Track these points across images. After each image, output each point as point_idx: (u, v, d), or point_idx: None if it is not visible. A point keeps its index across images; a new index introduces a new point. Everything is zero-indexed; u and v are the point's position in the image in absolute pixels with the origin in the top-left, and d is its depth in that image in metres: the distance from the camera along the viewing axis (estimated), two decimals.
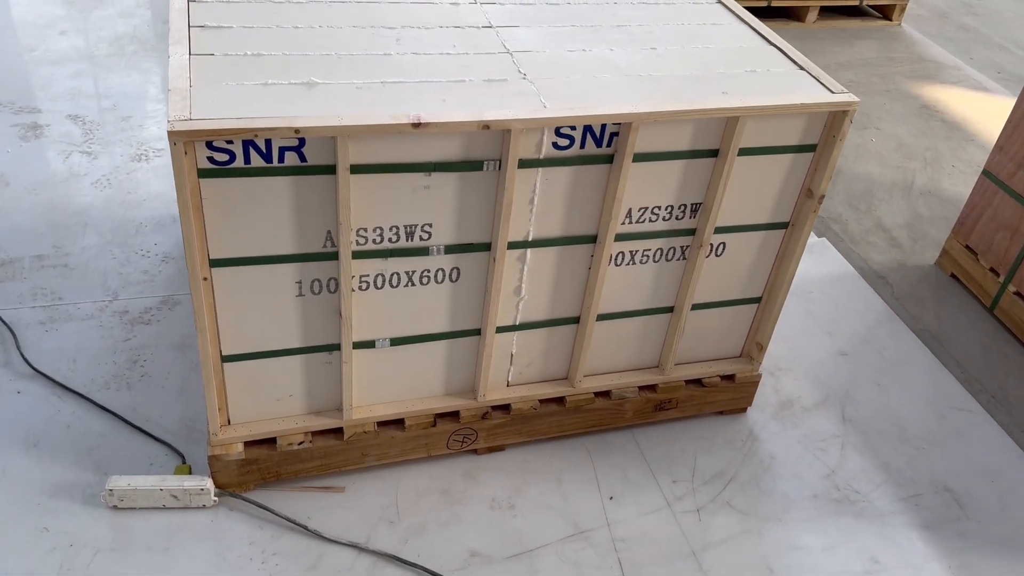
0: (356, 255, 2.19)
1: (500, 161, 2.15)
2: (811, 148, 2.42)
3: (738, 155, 2.33)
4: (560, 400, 2.69)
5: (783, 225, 2.57)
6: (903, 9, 6.13)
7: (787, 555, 2.52)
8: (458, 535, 2.45)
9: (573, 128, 2.16)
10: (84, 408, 2.69)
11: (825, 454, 2.86)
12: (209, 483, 2.40)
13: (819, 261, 3.74)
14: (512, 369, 2.60)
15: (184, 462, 2.54)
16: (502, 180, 2.17)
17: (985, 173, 3.53)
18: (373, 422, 2.51)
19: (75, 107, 4.17)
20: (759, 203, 2.49)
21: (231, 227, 2.05)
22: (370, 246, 2.20)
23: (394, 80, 2.15)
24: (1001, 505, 2.75)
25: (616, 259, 2.46)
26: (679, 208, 2.42)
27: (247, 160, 1.97)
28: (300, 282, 2.21)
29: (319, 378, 2.41)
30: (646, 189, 2.34)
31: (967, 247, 3.64)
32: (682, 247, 2.51)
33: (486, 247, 2.31)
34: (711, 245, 2.51)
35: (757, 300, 2.73)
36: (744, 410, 2.96)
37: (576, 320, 2.57)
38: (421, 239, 2.24)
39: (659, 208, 2.40)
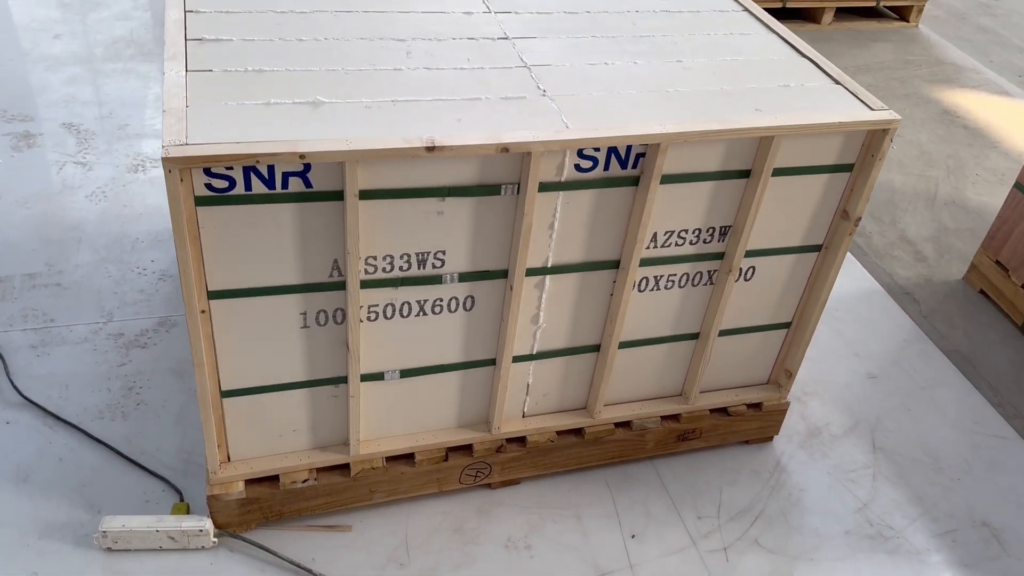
0: (365, 284, 2.05)
1: (519, 185, 2.01)
2: (848, 168, 2.27)
3: (771, 175, 2.18)
4: (578, 431, 2.54)
5: (816, 248, 2.42)
6: (920, 10, 5.98)
7: None
8: None
9: (597, 149, 2.02)
10: (77, 439, 2.55)
11: (856, 486, 2.72)
12: (208, 523, 2.26)
13: (844, 277, 3.59)
14: (528, 399, 2.46)
15: (182, 499, 2.40)
16: (521, 204, 2.02)
17: (1017, 186, 3.38)
18: (382, 457, 2.37)
19: (69, 115, 4.02)
20: (791, 225, 2.34)
21: (231, 257, 1.91)
22: (380, 275, 2.06)
23: (405, 98, 2.01)
24: None
25: (640, 284, 2.32)
26: (707, 231, 2.28)
27: (248, 186, 1.82)
28: (305, 313, 2.07)
29: (324, 412, 2.27)
30: (673, 212, 2.20)
31: (997, 262, 3.49)
32: (709, 272, 2.37)
33: (502, 274, 2.17)
34: (740, 269, 2.37)
35: (786, 325, 2.59)
36: (771, 439, 2.81)
37: (596, 348, 2.42)
38: (434, 267, 2.10)
39: (686, 232, 2.26)
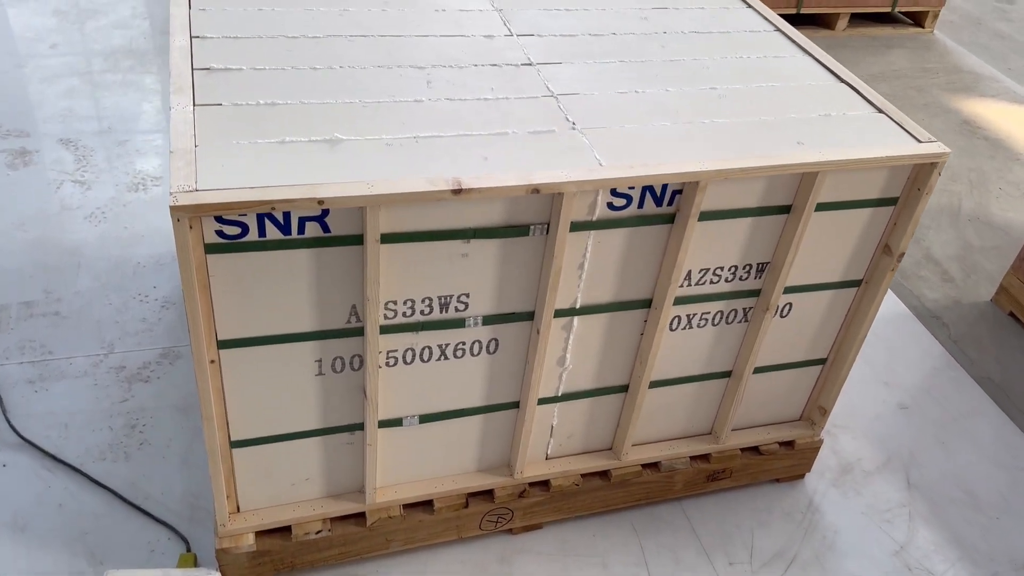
0: (384, 330, 1.93)
1: (548, 225, 1.89)
2: (892, 201, 2.15)
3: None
4: (604, 474, 2.43)
5: (855, 283, 2.30)
6: (936, 16, 5.85)
7: None
8: None
9: (631, 187, 1.90)
10: (77, 483, 2.43)
11: (892, 527, 2.60)
12: None
13: None
14: (552, 441, 2.34)
15: (188, 549, 2.28)
16: (550, 245, 1.90)
17: None
18: (399, 505, 2.25)
19: (67, 130, 3.89)
20: (831, 261, 2.22)
21: (242, 305, 1.79)
22: (400, 319, 1.94)
23: (428, 134, 1.88)
24: None
25: (671, 323, 2.20)
26: (744, 268, 2.16)
27: (262, 232, 1.70)
28: (320, 361, 1.95)
29: (339, 460, 2.15)
30: (709, 249, 2.08)
31: None
32: (744, 309, 2.25)
33: (528, 316, 2.05)
34: (777, 306, 2.25)
35: (821, 362, 2.47)
36: (802, 476, 2.70)
37: (624, 388, 2.30)
38: (457, 310, 1.97)
39: (721, 269, 2.14)
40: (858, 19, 5.80)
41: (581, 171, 1.82)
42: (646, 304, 2.14)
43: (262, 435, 2.03)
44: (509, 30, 2.35)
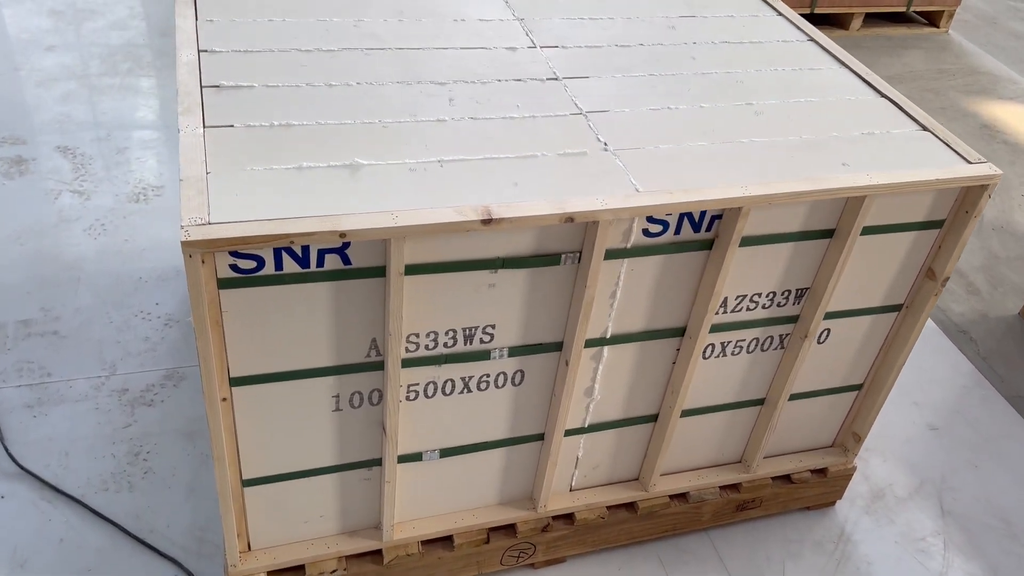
0: (406, 363, 1.82)
1: (580, 254, 1.78)
2: (937, 224, 2.05)
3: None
4: (630, 505, 2.32)
5: (896, 308, 2.20)
6: (951, 15, 5.74)
7: None
8: None
9: (669, 213, 1.79)
10: (79, 516, 2.32)
11: (927, 556, 2.50)
12: None
13: None
14: (576, 473, 2.24)
15: None
16: (583, 275, 1.79)
17: None
18: (417, 541, 2.14)
19: (64, 137, 3.76)
20: (872, 285, 2.12)
21: (256, 341, 1.68)
22: (422, 352, 1.83)
23: (452, 157, 1.77)
24: None
25: (704, 351, 2.09)
26: (782, 294, 2.05)
27: (279, 266, 1.59)
28: (338, 396, 1.84)
29: (355, 496, 2.04)
30: (747, 275, 1.97)
31: None
32: (781, 336, 2.14)
33: (556, 347, 1.94)
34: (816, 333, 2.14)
35: (857, 388, 2.36)
36: (833, 503, 2.59)
37: (653, 418, 2.20)
38: (482, 342, 1.86)
39: (759, 295, 2.03)
40: (872, 18, 5.69)
41: (618, 198, 1.70)
42: (679, 332, 2.03)
43: (275, 473, 1.92)
44: (532, 41, 2.23)
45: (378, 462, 1.99)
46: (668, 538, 2.43)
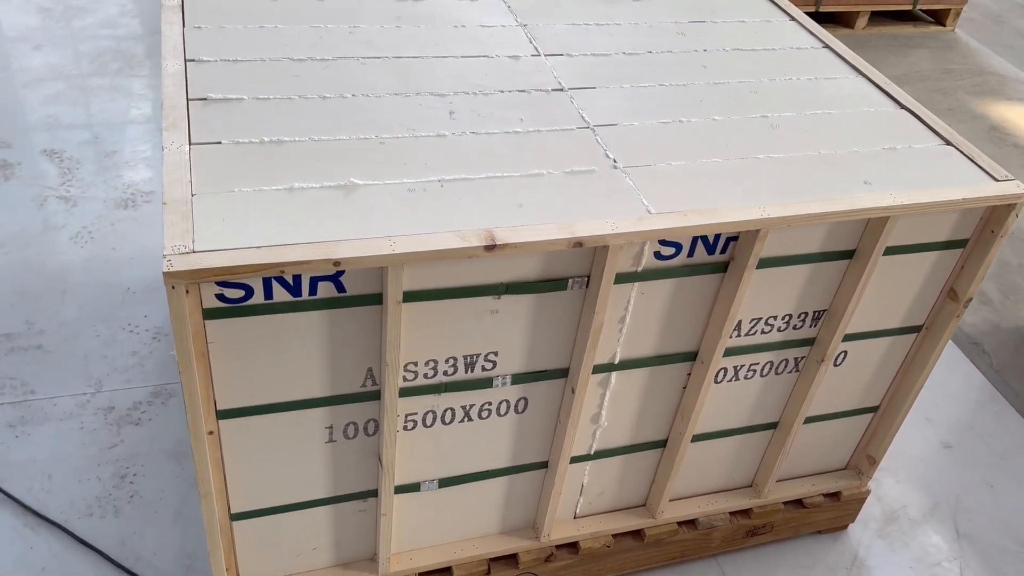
0: (404, 392, 1.73)
1: (589, 278, 1.68)
2: (960, 244, 1.95)
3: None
4: (637, 533, 2.23)
5: (915, 329, 2.11)
6: (958, 14, 5.64)
7: None
8: None
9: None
10: (63, 543, 2.22)
11: None
12: None
13: None
14: (581, 500, 2.14)
15: None
16: (591, 300, 1.69)
17: None
18: (415, 573, 2.05)
19: (51, 140, 3.65)
20: (891, 306, 2.03)
21: (244, 372, 1.58)
22: (420, 381, 1.73)
23: (453, 176, 1.67)
24: None
25: (717, 375, 1.99)
26: (798, 317, 1.96)
27: (268, 295, 1.49)
28: (331, 427, 1.74)
29: (350, 528, 1.94)
30: (763, 298, 1.87)
31: None
32: (796, 359, 2.05)
33: (562, 374, 1.84)
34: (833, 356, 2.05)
35: (873, 410, 2.27)
36: (846, 527, 2.51)
37: (662, 444, 2.10)
38: (484, 369, 1.77)
39: (775, 318, 1.93)
40: (878, 17, 5.58)
41: (629, 221, 1.61)
42: (691, 357, 1.94)
43: (266, 506, 1.82)
44: (536, 49, 2.13)
45: (374, 493, 1.89)
46: (676, 565, 2.34)
